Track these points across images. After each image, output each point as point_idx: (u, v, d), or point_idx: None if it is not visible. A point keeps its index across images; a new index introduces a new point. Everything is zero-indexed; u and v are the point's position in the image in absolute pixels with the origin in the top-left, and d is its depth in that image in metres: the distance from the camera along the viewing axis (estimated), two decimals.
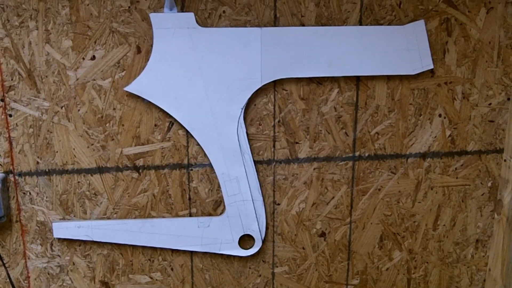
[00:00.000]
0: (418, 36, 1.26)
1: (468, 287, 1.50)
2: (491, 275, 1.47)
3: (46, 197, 1.26)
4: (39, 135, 1.22)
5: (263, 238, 1.34)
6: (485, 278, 1.49)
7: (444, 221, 1.43)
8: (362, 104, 1.31)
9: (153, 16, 1.17)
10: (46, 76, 1.19)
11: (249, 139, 1.28)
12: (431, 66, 1.28)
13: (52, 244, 1.29)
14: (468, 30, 1.29)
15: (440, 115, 1.34)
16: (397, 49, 1.26)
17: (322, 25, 1.24)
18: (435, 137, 1.36)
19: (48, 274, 1.31)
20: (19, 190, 1.25)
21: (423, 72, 1.29)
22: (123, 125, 1.24)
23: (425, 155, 1.37)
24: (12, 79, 1.18)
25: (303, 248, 1.39)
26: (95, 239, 1.28)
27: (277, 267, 1.39)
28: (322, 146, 1.32)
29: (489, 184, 1.41)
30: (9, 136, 1.21)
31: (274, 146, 1.31)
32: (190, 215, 1.32)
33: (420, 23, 1.26)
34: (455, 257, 1.46)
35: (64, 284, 1.33)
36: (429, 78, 1.31)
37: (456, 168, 1.39)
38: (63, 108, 1.21)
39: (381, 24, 1.26)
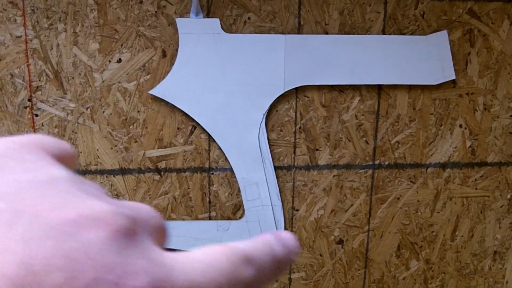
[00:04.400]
0: (440, 47, 1.27)
1: None
2: (508, 287, 1.46)
3: None
4: (64, 136, 1.24)
5: None
6: None
7: (462, 232, 1.42)
8: (383, 112, 1.31)
9: (179, 21, 1.19)
10: (73, 78, 1.21)
11: (270, 145, 1.29)
12: (453, 77, 1.29)
13: None
14: (491, 42, 1.30)
15: (460, 126, 1.34)
16: (420, 59, 1.27)
17: (346, 34, 1.25)
18: (455, 147, 1.36)
19: None
20: None
21: (445, 82, 1.29)
22: (146, 127, 1.26)
23: (445, 165, 1.37)
24: (39, 80, 1.20)
25: (321, 255, 1.40)
26: None
27: (294, 273, 1.40)
28: (342, 154, 1.33)
29: (509, 196, 1.41)
30: None
31: (294, 152, 1.31)
32: (210, 218, 1.33)
33: (443, 34, 1.26)
34: (472, 269, 1.46)
35: None
36: (451, 88, 1.32)
37: (475, 179, 1.39)
38: (88, 109, 1.23)
39: (404, 34, 1.27)
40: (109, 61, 1.21)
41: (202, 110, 1.24)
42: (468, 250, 1.44)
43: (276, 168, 1.31)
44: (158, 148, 1.27)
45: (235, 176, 1.29)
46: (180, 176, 1.30)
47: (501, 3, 1.28)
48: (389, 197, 1.37)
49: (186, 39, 1.20)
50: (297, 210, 1.35)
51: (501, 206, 1.42)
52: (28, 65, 1.19)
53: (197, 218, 1.33)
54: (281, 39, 1.22)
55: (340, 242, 1.39)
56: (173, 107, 1.24)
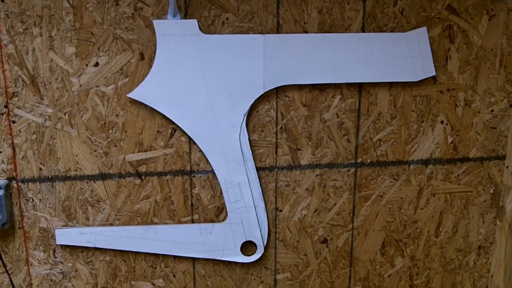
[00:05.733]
0: (420, 43, 1.26)
1: None
2: (494, 282, 1.47)
3: (49, 204, 1.26)
4: (42, 142, 1.22)
5: (265, 244, 1.34)
6: (488, 284, 1.49)
7: (446, 228, 1.43)
8: (365, 110, 1.31)
9: (156, 23, 1.17)
10: (50, 83, 1.19)
11: (251, 146, 1.28)
12: (434, 73, 1.28)
13: (54, 251, 1.29)
14: (471, 37, 1.30)
15: (442, 122, 1.34)
16: (400, 56, 1.26)
17: (325, 32, 1.24)
18: (437, 143, 1.36)
19: (51, 280, 1.31)
20: (22, 196, 1.25)
21: (425, 79, 1.29)
22: (126, 131, 1.24)
23: (427, 162, 1.37)
24: (15, 86, 1.18)
25: (305, 255, 1.39)
26: (97, 246, 1.28)
27: (279, 273, 1.39)
28: (324, 153, 1.32)
29: (491, 191, 1.41)
30: (12, 142, 1.21)
31: (276, 153, 1.31)
32: (193, 221, 1.32)
33: (423, 30, 1.26)
34: (457, 264, 1.46)
35: None
36: (432, 85, 1.31)
37: (458, 175, 1.39)
38: (66, 114, 1.21)
39: (384, 31, 1.26)
40: (86, 65, 1.19)
41: (182, 112, 1.22)
42: (452, 246, 1.44)
43: (258, 169, 1.30)
44: (138, 152, 1.26)
45: (217, 178, 1.28)
46: (161, 179, 1.28)
47: None
48: (372, 195, 1.37)
49: (164, 41, 1.18)
50: (281, 211, 1.35)
51: (484, 201, 1.42)
52: (3, 71, 1.17)
53: (179, 222, 1.31)
54: (260, 39, 1.21)
55: (325, 241, 1.39)
56: (153, 110, 1.23)
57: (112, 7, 1.17)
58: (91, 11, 1.17)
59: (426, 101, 1.32)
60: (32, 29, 1.16)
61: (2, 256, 1.27)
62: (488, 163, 1.39)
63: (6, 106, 1.19)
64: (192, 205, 1.31)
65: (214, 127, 1.24)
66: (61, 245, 1.29)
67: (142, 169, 1.27)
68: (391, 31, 1.27)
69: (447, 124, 1.35)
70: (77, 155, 1.24)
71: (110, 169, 1.26)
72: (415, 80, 1.28)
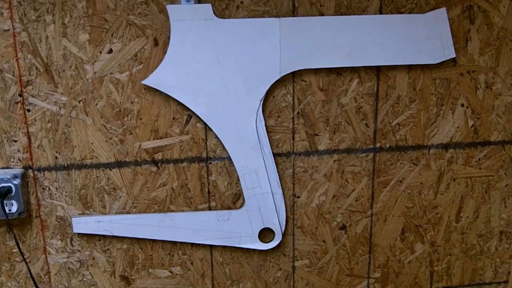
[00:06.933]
0: (439, 24, 1.23)
1: (492, 279, 1.47)
2: None
3: (65, 192, 1.26)
4: (57, 130, 1.21)
5: (283, 231, 1.32)
6: (510, 270, 1.47)
7: (467, 213, 1.40)
8: (383, 94, 1.28)
9: (170, 8, 1.16)
10: (64, 70, 1.18)
11: (268, 132, 1.26)
12: (453, 55, 1.25)
13: (72, 239, 1.29)
14: (492, 18, 1.26)
15: (462, 105, 1.31)
16: (419, 38, 1.23)
17: (342, 15, 1.22)
18: (458, 127, 1.33)
19: (69, 269, 1.31)
20: (38, 185, 1.24)
21: (445, 61, 1.26)
22: (141, 118, 1.23)
23: (447, 146, 1.34)
24: (29, 74, 1.17)
25: (324, 241, 1.38)
26: (114, 234, 1.27)
27: (297, 260, 1.38)
28: (342, 138, 1.30)
29: None
30: (28, 131, 1.21)
31: (293, 138, 1.29)
32: (210, 208, 1.31)
33: (442, 11, 1.23)
34: (478, 250, 1.44)
35: (84, 279, 1.32)
36: (451, 67, 1.28)
37: (479, 159, 1.36)
38: (81, 102, 1.20)
39: (402, 13, 1.23)
40: (100, 52, 1.18)
41: (197, 98, 1.21)
42: (473, 231, 1.42)
43: (275, 155, 1.28)
44: (153, 139, 1.25)
45: (233, 165, 1.27)
46: (178, 167, 1.27)
47: None
48: (391, 180, 1.35)
49: (178, 26, 1.17)
50: (298, 197, 1.33)
51: (506, 185, 1.39)
52: (17, 59, 1.16)
53: (196, 209, 1.30)
54: (275, 22, 1.19)
55: (343, 227, 1.37)
56: (168, 97, 1.21)
57: None
58: None
59: (446, 84, 1.29)
60: (45, 17, 1.15)
61: (20, 245, 1.27)
62: (510, 147, 1.36)
63: (20, 95, 1.18)
64: (208, 192, 1.30)
65: (230, 113, 1.22)
66: (78, 234, 1.29)
67: (158, 156, 1.26)
68: (410, 13, 1.24)
69: (467, 107, 1.32)
70: (92, 143, 1.23)
71: (126, 157, 1.25)
72: (435, 62, 1.25)
